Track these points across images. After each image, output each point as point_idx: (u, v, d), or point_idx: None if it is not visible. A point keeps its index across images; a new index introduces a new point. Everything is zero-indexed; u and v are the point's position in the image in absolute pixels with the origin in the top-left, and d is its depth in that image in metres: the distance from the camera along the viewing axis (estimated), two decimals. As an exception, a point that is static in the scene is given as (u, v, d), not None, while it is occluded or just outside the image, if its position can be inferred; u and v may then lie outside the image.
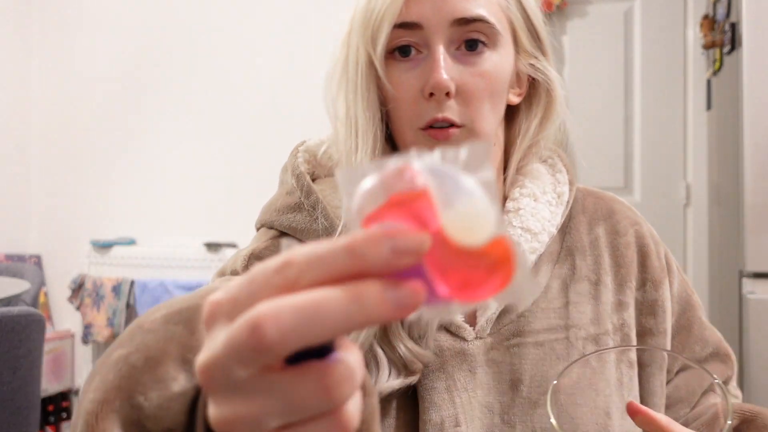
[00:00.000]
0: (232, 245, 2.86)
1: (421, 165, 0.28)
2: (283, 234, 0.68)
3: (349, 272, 0.25)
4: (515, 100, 0.69)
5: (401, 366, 0.61)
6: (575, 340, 0.65)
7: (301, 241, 0.66)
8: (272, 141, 2.73)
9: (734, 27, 1.96)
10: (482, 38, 0.62)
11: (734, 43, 1.96)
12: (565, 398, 0.56)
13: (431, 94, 0.61)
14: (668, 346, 0.71)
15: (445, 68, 0.60)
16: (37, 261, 3.19)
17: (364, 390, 0.40)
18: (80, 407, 0.38)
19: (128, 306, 2.87)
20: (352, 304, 0.25)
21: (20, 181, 3.26)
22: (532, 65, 0.68)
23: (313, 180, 0.70)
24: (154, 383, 0.37)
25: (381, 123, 0.64)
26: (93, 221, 3.16)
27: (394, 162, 0.28)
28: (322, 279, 0.26)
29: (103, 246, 3.03)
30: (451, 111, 0.61)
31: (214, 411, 0.27)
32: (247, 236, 0.74)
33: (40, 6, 3.30)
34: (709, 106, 2.53)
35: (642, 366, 0.67)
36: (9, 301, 1.87)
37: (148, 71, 3.09)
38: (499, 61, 0.64)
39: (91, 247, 3.05)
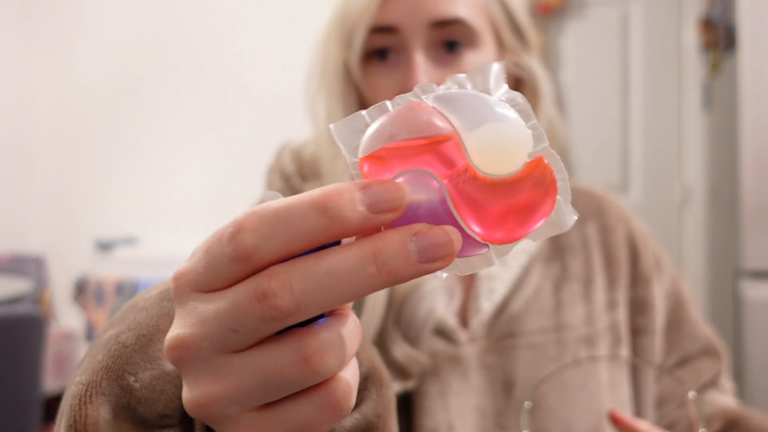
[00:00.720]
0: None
1: (432, 97, 0.24)
2: None
3: (324, 234, 0.22)
4: None
5: (397, 371, 0.59)
6: (568, 341, 0.64)
7: None
8: (276, 140, 2.72)
9: (731, 27, 1.97)
10: (461, 39, 0.61)
11: (731, 43, 1.96)
12: (556, 400, 0.55)
13: None
14: (659, 344, 0.70)
15: (424, 71, 0.59)
16: (40, 260, 3.21)
17: (381, 382, 0.38)
18: (67, 392, 0.34)
19: (130, 305, 2.89)
20: (369, 265, 0.21)
21: (23, 180, 3.28)
22: (516, 63, 0.66)
23: (302, 181, 0.69)
24: (145, 362, 0.34)
25: None
26: (96, 220, 3.18)
27: (398, 101, 0.24)
28: (289, 248, 0.22)
29: (106, 245, 3.04)
30: None
31: (186, 393, 0.24)
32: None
33: (42, 7, 3.31)
34: (706, 106, 2.54)
35: (632, 365, 0.67)
36: (12, 301, 1.88)
37: (151, 70, 3.10)
38: (480, 61, 0.62)
39: (94, 246, 3.06)
